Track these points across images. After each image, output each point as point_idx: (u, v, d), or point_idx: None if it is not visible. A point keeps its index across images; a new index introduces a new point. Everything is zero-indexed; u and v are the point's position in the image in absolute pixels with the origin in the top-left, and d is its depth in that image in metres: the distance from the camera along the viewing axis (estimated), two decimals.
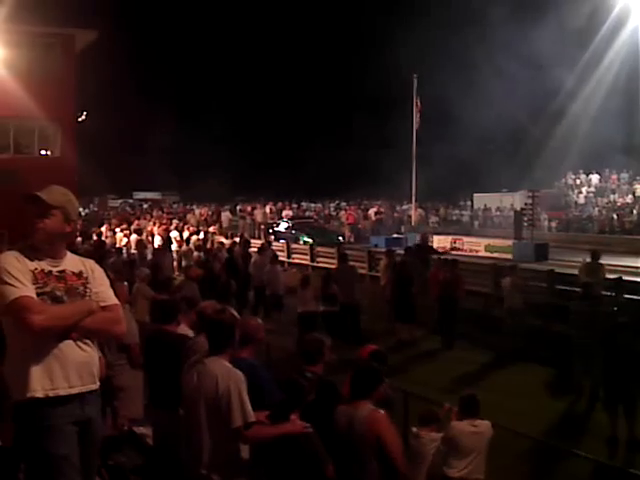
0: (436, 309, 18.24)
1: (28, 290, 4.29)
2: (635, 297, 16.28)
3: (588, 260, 17.67)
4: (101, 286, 4.67)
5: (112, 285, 4.90)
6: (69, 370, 4.41)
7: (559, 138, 44.42)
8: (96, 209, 49.35)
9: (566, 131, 44.16)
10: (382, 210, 45.79)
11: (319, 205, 53.29)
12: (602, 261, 17.92)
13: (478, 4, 45.38)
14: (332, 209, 51.54)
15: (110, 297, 4.69)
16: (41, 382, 4.32)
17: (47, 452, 4.34)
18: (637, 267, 24.29)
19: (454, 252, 30.89)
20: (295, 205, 50.06)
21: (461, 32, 48.19)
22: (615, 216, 41.18)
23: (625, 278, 17.85)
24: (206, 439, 5.26)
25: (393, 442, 5.82)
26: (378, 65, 57.62)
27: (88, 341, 4.53)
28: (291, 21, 65.63)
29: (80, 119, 33.98)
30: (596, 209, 43.65)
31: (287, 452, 5.35)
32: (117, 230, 32.50)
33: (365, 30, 62.72)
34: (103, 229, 33.64)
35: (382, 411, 5.93)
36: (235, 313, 5.65)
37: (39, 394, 4.32)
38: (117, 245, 28.61)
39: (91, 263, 4.73)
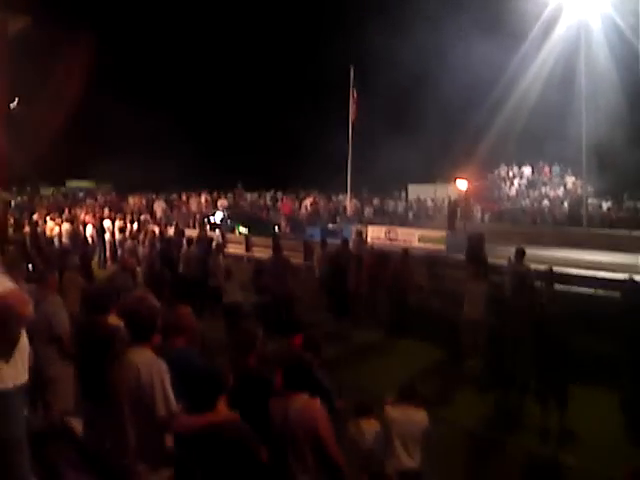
0: (385, 301, 18.40)
1: None
2: (565, 288, 16.57)
3: (512, 260, 16.85)
4: None
5: (43, 274, 4.87)
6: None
7: (493, 130, 44.99)
8: (24, 198, 48.30)
9: (500, 124, 44.74)
10: (317, 201, 45.83)
11: (255, 195, 53.04)
12: (530, 254, 17.89)
13: None
14: (268, 199, 51.40)
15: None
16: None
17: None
18: (567, 258, 24.78)
19: (389, 242, 31.19)
20: (231, 195, 49.74)
21: (401, 24, 48.51)
22: (547, 208, 42.02)
23: (555, 269, 18.15)
24: (130, 430, 5.23)
25: (328, 433, 5.82)
26: (315, 54, 57.56)
27: None
28: (230, 11, 65.21)
29: (12, 106, 33.26)
30: (527, 200, 44.47)
31: (216, 441, 5.33)
32: (48, 219, 31.94)
33: (302, 18, 62.53)
34: (35, 217, 33.02)
35: (318, 400, 5.93)
36: (155, 302, 5.59)
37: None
38: (48, 234, 28.13)
39: None
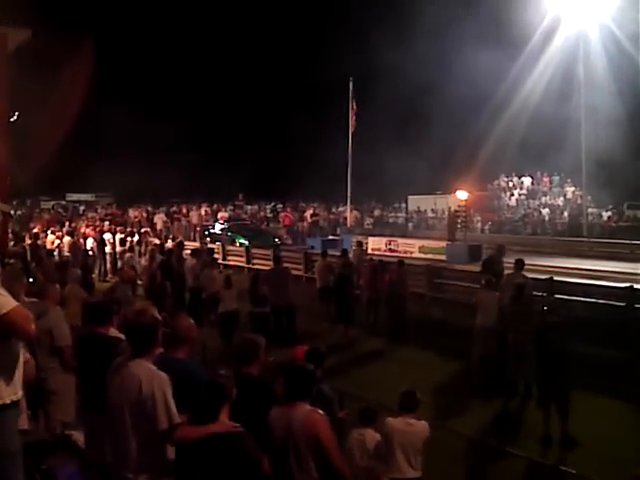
0: (385, 309, 18.47)
1: None
2: (565, 297, 16.58)
3: (511, 271, 16.72)
4: None
5: (44, 286, 4.89)
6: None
7: (493, 141, 45.05)
8: (24, 211, 48.28)
9: (500, 134, 44.80)
10: (318, 212, 45.90)
11: (255, 207, 53.10)
12: (530, 264, 17.92)
13: (417, 9, 45.89)
14: (269, 211, 51.47)
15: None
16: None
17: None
18: (567, 267, 24.82)
19: (389, 253, 31.23)
20: (231, 207, 49.78)
21: (402, 35, 48.56)
22: (546, 218, 42.03)
23: (555, 278, 18.17)
24: (132, 442, 5.23)
25: (331, 443, 5.79)
26: (317, 65, 57.66)
27: None
28: (228, 20, 65.28)
29: (12, 119, 33.30)
30: (527, 211, 44.48)
31: (218, 452, 5.31)
32: (49, 232, 31.94)
33: (303, 28, 62.63)
34: (36, 230, 33.01)
35: (320, 411, 5.91)
36: (156, 314, 5.59)
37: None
38: (48, 247, 28.12)
39: None
